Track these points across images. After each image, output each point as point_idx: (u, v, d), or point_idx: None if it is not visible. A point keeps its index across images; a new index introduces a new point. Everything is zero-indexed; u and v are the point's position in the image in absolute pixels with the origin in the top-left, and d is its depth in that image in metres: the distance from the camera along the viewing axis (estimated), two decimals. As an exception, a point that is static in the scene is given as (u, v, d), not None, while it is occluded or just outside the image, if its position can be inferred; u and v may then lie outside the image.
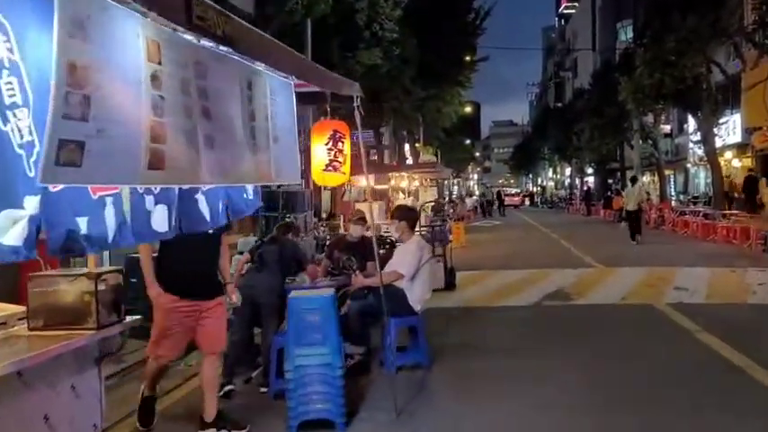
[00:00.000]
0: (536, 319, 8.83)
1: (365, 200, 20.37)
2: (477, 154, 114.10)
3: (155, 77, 2.03)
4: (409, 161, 32.21)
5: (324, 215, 19.12)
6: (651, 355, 6.70)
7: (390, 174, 19.05)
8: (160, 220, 2.36)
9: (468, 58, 34.52)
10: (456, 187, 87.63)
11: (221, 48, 2.45)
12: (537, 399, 5.38)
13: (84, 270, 3.44)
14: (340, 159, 5.16)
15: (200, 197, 2.65)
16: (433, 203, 28.00)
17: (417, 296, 6.11)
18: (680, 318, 8.29)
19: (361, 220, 7.13)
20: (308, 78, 3.59)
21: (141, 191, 2.27)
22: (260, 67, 2.94)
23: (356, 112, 4.84)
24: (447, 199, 39.46)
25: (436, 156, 54.79)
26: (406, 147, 38.16)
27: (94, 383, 3.31)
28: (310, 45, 15.18)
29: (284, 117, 3.38)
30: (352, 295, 6.19)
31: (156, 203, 2.36)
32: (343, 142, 5.15)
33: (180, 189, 2.50)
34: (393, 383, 5.29)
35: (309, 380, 4.47)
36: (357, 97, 4.78)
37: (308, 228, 14.26)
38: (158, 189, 2.35)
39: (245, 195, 3.19)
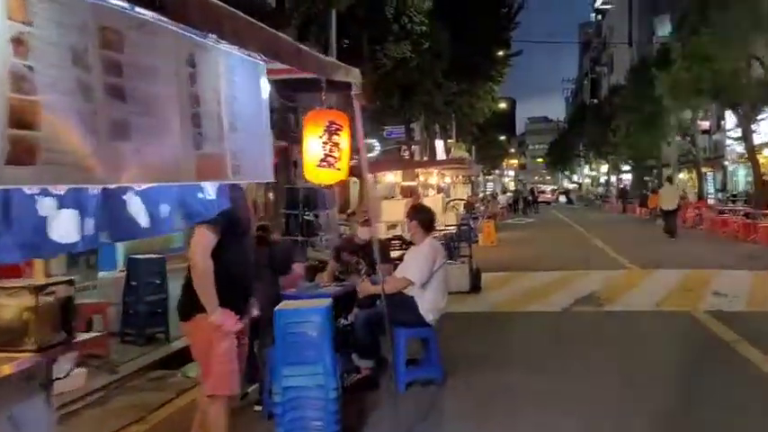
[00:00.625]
0: (564, 327, 8.27)
1: (391, 197, 20.11)
2: (512, 150, 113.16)
3: (18, 41, 1.55)
4: (441, 158, 31.75)
5: (348, 212, 18.72)
6: (688, 373, 6.12)
7: (419, 170, 18.53)
8: (66, 228, 1.88)
9: (501, 53, 33.84)
10: (491, 184, 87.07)
11: (144, 12, 1.95)
12: (558, 425, 4.86)
13: (27, 282, 3.04)
14: (335, 154, 4.65)
15: (130, 198, 2.15)
16: (464, 201, 27.75)
17: (429, 305, 5.61)
18: (719, 328, 7.68)
19: (368, 222, 6.63)
20: (287, 59, 3.10)
21: (30, 192, 1.79)
22: (210, 41, 2.44)
23: (354, 102, 4.35)
24: (480, 196, 38.87)
25: (469, 152, 54.34)
26: (439, 143, 37.54)
27: (41, 413, 2.90)
28: (335, 38, 14.66)
29: (248, 102, 2.87)
30: (359, 302, 5.72)
31: (61, 207, 1.87)
32: (339, 135, 4.64)
33: (104, 189, 2.03)
34: (398, 402, 4.84)
35: (299, 403, 4.02)
36: (355, 85, 4.29)
37: (332, 226, 13.85)
38: (64, 190, 1.88)
39: (200, 195, 2.66)
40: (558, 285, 11.39)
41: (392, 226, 16.55)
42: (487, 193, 48.18)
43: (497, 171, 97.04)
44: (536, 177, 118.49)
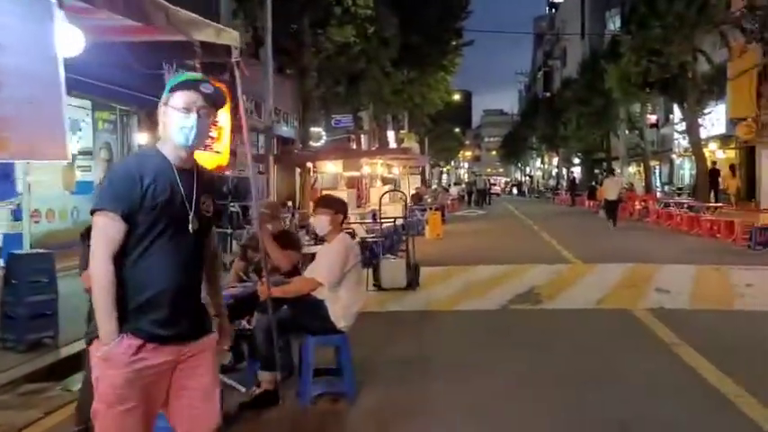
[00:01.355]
0: (500, 326, 7.78)
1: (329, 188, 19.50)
2: (467, 142, 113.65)
3: None
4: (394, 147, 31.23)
5: (289, 204, 18.04)
6: (624, 376, 5.68)
7: (366, 160, 17.93)
8: None
9: (453, 43, 33.49)
10: (446, 176, 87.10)
11: None
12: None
13: None
14: (212, 134, 4.01)
15: None
16: (413, 192, 27.29)
17: (342, 309, 5.00)
18: (660, 327, 7.29)
19: (273, 216, 6.00)
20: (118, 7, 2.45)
21: None
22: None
23: (235, 71, 3.72)
24: (433, 188, 38.50)
25: (422, 143, 53.98)
26: (391, 134, 37.05)
27: None
28: (270, 20, 13.92)
29: (24, 57, 2.22)
30: (259, 307, 5.10)
31: None
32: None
33: None
34: (297, 425, 4.25)
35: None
36: (235, 50, 3.65)
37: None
38: None
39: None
40: (499, 280, 10.93)
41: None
42: (441, 184, 47.73)
43: (453, 163, 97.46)
44: (489, 170, 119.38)
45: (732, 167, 28.85)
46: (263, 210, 6.02)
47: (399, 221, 17.62)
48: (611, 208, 23.02)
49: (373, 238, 11.86)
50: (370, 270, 10.28)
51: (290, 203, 18.53)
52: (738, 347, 6.50)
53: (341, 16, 17.61)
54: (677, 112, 33.71)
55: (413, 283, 10.29)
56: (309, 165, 16.07)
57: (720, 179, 27.75)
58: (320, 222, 5.17)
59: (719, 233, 17.86)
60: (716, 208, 20.38)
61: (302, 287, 5.02)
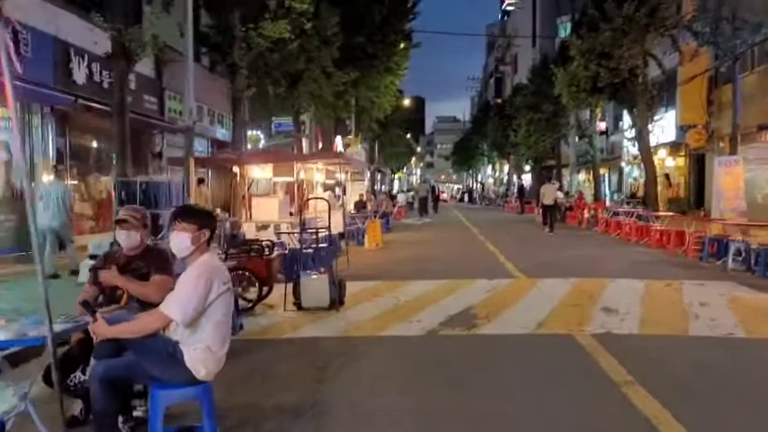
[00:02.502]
0: (425, 358, 6.69)
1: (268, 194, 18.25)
2: (419, 149, 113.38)
3: None
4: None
5: (218, 212, 16.74)
6: (561, 428, 4.67)
7: (301, 166, 16.68)
8: None
9: (401, 45, 32.55)
10: (396, 182, 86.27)
11: None
12: None
13: None
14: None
15: None
16: (356, 199, 26.18)
17: (203, 353, 3.86)
18: (606, 359, 6.32)
19: (137, 226, 4.83)
20: None
21: None
22: None
23: None
24: (374, 194, 37.41)
25: (372, 149, 52.95)
26: (338, 139, 35.84)
27: None
28: (191, 9, 12.66)
29: None
30: (96, 351, 3.92)
31: None
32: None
33: None
34: None
35: None
36: None
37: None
38: None
39: None
40: (433, 298, 9.89)
41: (263, 227, 14.74)
42: (384, 191, 46.42)
43: (405, 169, 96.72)
44: (443, 176, 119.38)
45: (667, 176, 28.92)
46: (125, 215, 4.81)
47: (338, 230, 16.61)
48: (548, 213, 25.03)
49: (298, 249, 10.70)
50: (291, 287, 9.19)
51: (218, 210, 17.27)
52: (700, 388, 5.55)
53: (275, 10, 16.42)
54: (626, 119, 33.57)
55: (336, 301, 9.19)
56: (236, 170, 14.80)
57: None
58: (179, 241, 4.01)
59: (669, 243, 17.27)
60: (665, 217, 19.81)
61: (148, 325, 3.86)
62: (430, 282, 11.53)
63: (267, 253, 9.63)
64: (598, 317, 8.31)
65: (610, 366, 6.07)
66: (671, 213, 21.44)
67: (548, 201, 25.35)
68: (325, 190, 22.78)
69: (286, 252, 11.22)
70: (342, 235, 16.70)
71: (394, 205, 34.13)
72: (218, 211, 17.00)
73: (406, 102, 64.99)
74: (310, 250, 11.01)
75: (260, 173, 15.23)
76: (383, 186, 61.99)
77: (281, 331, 7.79)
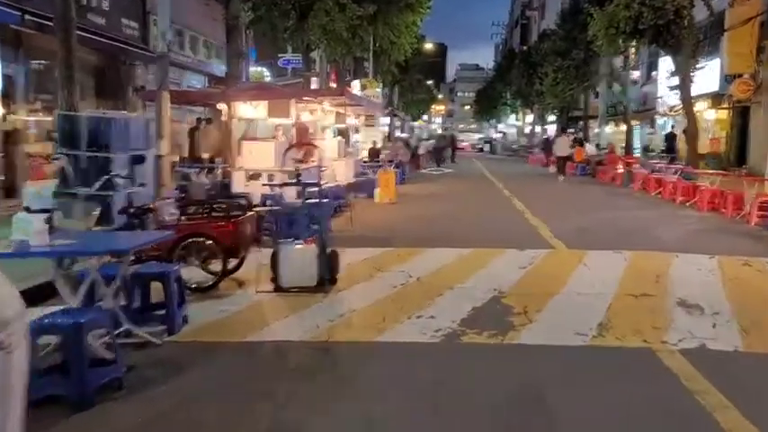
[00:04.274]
0: (438, 392, 4.43)
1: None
2: (441, 96, 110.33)
3: None
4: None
5: (205, 157, 14.59)
6: None
7: (302, 106, 14.35)
8: None
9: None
10: (417, 130, 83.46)
11: None
12: None
13: None
14: None
15: None
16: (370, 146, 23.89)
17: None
18: (714, 398, 4.14)
19: None
20: None
21: None
22: None
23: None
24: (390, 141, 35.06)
25: (392, 94, 50.28)
26: (356, 82, 33.29)
27: None
28: None
29: None
30: None
31: None
32: None
33: None
34: None
35: None
36: None
37: (142, 175, 9.71)
38: None
39: None
40: (452, 277, 7.70)
41: (254, 175, 12.55)
42: (401, 137, 43.66)
43: (425, 117, 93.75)
44: (462, 125, 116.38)
45: (685, 132, 26.85)
46: None
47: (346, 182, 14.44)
48: (562, 162, 26.72)
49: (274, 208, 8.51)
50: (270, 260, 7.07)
51: (205, 156, 15.09)
52: None
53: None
54: (662, 68, 30.96)
55: (325, 280, 7.05)
56: (222, 107, 12.58)
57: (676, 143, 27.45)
58: None
59: (723, 207, 14.96)
60: (716, 176, 17.43)
61: None
62: (448, 251, 9.34)
63: (240, 213, 7.48)
64: (678, 317, 6.08)
65: (724, 414, 3.89)
66: (721, 171, 19.05)
67: (561, 152, 26.90)
68: (335, 135, 20.59)
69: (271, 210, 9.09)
70: (350, 187, 14.56)
71: (413, 154, 31.67)
72: (205, 156, 14.90)
73: (428, 46, 62.02)
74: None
75: (253, 112, 12.93)
76: (402, 133, 59.47)
77: (237, 329, 5.66)
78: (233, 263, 7.36)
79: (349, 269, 7.91)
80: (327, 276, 7.14)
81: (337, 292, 6.96)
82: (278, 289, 6.93)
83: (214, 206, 7.39)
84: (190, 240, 6.93)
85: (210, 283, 7.00)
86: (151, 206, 7.27)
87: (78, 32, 11.60)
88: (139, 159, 7.88)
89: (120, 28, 14.66)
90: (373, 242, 10.04)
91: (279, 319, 5.98)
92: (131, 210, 7.78)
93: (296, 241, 7.12)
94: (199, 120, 16.80)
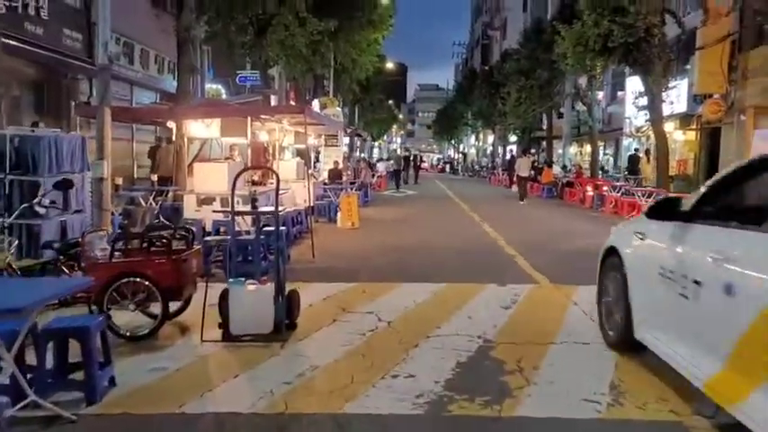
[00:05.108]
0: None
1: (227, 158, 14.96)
2: (401, 116, 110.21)
3: None
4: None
5: (153, 179, 13.49)
6: None
7: (259, 125, 13.32)
8: None
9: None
10: (377, 150, 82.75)
11: None
12: None
13: None
14: None
15: None
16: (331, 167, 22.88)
17: None
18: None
19: None
20: None
21: None
22: None
23: None
24: (347, 161, 34.15)
25: (353, 113, 49.45)
26: (316, 102, 32.40)
27: None
28: None
29: None
30: None
31: None
32: None
33: None
34: None
35: None
36: None
37: (78, 201, 8.59)
38: None
39: None
40: (429, 320, 6.75)
41: (206, 200, 11.48)
42: (364, 158, 42.65)
43: (385, 137, 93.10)
44: (423, 145, 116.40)
45: (647, 152, 28.05)
46: None
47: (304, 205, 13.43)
48: (523, 183, 26.71)
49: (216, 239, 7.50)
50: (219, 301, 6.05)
51: (153, 178, 13.98)
52: None
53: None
54: (628, 88, 30.80)
55: (282, 326, 6.03)
56: (171, 125, 11.52)
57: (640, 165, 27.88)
58: None
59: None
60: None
61: None
62: (419, 286, 8.41)
63: (182, 245, 6.44)
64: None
65: None
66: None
67: (523, 172, 26.93)
68: (296, 155, 19.58)
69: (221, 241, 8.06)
70: (310, 211, 13.56)
71: (373, 175, 30.79)
72: (154, 178, 13.79)
73: (389, 65, 61.58)
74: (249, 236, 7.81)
75: (205, 131, 11.87)
76: (362, 154, 58.68)
77: (174, 395, 4.61)
78: (176, 304, 6.32)
79: (310, 311, 6.94)
80: (285, 320, 6.14)
81: (296, 341, 5.95)
82: (227, 337, 5.90)
83: (154, 239, 6.32)
84: (124, 280, 5.86)
85: (147, 331, 5.93)
86: (78, 240, 6.21)
87: (11, 42, 10.52)
88: (62, 184, 6.76)
89: (61, 39, 13.48)
90: (337, 275, 9.05)
91: (226, 380, 4.95)
92: (56, 244, 6.73)
93: (249, 281, 6.10)
94: (159, 139, 15.71)
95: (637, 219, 5.87)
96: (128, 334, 5.85)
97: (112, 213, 9.62)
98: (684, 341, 4.49)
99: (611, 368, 5.35)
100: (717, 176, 4.88)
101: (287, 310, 6.17)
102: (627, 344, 5.55)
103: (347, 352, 5.66)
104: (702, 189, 4.84)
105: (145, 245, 6.30)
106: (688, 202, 4.90)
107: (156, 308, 6.07)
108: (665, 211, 5.06)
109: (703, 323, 4.23)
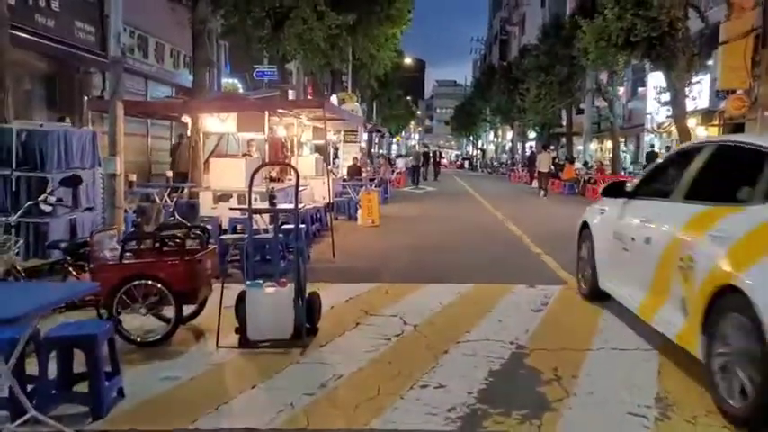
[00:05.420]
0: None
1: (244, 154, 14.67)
2: (419, 112, 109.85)
3: None
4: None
5: (169, 175, 13.21)
6: None
7: (276, 120, 12.99)
8: None
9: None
10: (395, 146, 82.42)
11: None
12: None
13: None
14: None
15: None
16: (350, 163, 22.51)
17: None
18: None
19: None
20: None
21: None
22: None
23: None
24: (370, 158, 33.84)
25: (371, 109, 49.12)
26: (334, 97, 32.13)
27: None
28: None
29: None
30: None
31: None
32: None
33: None
34: None
35: None
36: None
37: (88, 198, 8.30)
38: None
39: None
40: (456, 324, 6.37)
41: (223, 197, 11.16)
42: (383, 154, 42.27)
43: (403, 133, 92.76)
44: (441, 141, 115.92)
45: (668, 149, 26.41)
46: None
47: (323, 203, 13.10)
48: (543, 178, 27.35)
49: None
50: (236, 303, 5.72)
51: (169, 174, 13.70)
52: None
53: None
54: (650, 84, 30.25)
55: (303, 330, 5.68)
56: (187, 120, 11.23)
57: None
58: None
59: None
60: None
61: None
62: (444, 287, 8.04)
63: (197, 245, 6.11)
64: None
65: None
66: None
67: (543, 168, 27.36)
68: (313, 152, 19.24)
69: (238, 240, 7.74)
70: (329, 208, 13.22)
71: (393, 171, 30.40)
72: (169, 174, 13.51)
73: (407, 61, 61.21)
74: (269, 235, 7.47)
75: (221, 126, 11.55)
76: (380, 150, 58.34)
77: (187, 408, 4.27)
78: (191, 307, 5.99)
79: (332, 313, 6.59)
80: (306, 324, 5.80)
81: (318, 347, 5.60)
82: (244, 343, 5.56)
83: (166, 239, 5.99)
84: (134, 283, 5.54)
85: (159, 336, 5.60)
86: (87, 240, 5.89)
87: (21, 34, 10.26)
88: (70, 181, 6.45)
89: (74, 31, 13.22)
90: (358, 276, 8.70)
91: (243, 391, 4.60)
92: (63, 244, 6.42)
93: (267, 282, 5.75)
94: (180, 136, 15.46)
95: (601, 200, 7.36)
96: (138, 339, 5.53)
97: (126, 211, 9.31)
98: (627, 282, 6.21)
99: (655, 377, 4.96)
100: (651, 166, 7.31)
101: (307, 314, 5.82)
102: (594, 293, 7.14)
103: (372, 359, 5.30)
104: (642, 175, 7.10)
105: (157, 245, 5.97)
106: (632, 184, 6.78)
107: (169, 311, 5.74)
108: (616, 191, 6.81)
109: (635, 267, 5.94)
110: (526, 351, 5.54)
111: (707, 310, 4.39)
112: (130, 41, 14.53)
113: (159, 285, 5.52)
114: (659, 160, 7.12)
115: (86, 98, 13.31)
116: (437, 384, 4.72)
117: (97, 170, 8.59)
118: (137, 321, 5.70)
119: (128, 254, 5.76)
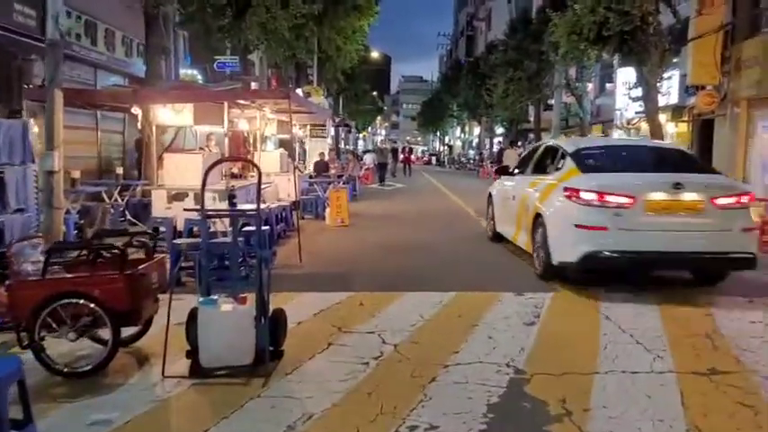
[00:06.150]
0: None
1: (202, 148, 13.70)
2: (386, 108, 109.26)
3: None
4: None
5: (119, 172, 12.17)
6: None
7: (238, 112, 12.02)
8: None
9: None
10: (361, 141, 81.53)
11: None
12: None
13: None
14: None
15: None
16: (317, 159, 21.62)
17: None
18: None
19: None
20: None
21: None
22: None
23: None
24: (337, 154, 32.96)
25: (337, 104, 48.16)
26: (299, 90, 31.13)
27: None
28: None
29: None
30: None
31: None
32: None
33: None
34: None
35: None
36: None
37: (18, 199, 7.31)
38: None
39: None
40: (441, 346, 5.57)
41: (178, 195, 10.20)
42: (350, 149, 41.35)
43: (370, 129, 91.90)
44: (407, 138, 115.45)
45: None
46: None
47: (281, 204, 12.20)
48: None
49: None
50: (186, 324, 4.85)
51: (119, 171, 12.67)
52: None
53: None
54: (619, 80, 29.90)
55: (266, 355, 4.82)
56: (136, 111, 10.24)
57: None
58: None
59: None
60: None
61: None
62: (427, 296, 7.23)
63: (143, 255, 5.21)
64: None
65: None
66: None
67: (510, 164, 26.04)
68: (278, 147, 18.31)
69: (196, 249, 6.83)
70: (295, 206, 12.36)
71: (361, 167, 29.54)
72: (119, 171, 12.48)
73: (374, 54, 60.38)
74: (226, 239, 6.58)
75: (176, 118, 10.58)
76: (347, 145, 57.40)
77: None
78: (130, 331, 5.10)
79: (300, 330, 5.76)
80: (270, 347, 4.94)
81: (283, 375, 4.74)
82: (196, 371, 4.69)
83: (102, 248, 5.07)
84: (62, 302, 4.62)
85: (90, 367, 4.69)
86: (5, 251, 4.96)
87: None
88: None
89: (11, 14, 12.07)
90: (329, 283, 7.86)
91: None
92: (-23, 254, 5.47)
93: (223, 298, 4.89)
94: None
95: (498, 177, 11.99)
96: (65, 370, 4.62)
97: (68, 212, 8.32)
98: (508, 224, 10.34)
99: (679, 408, 4.22)
100: (524, 154, 12.76)
101: (271, 335, 4.96)
102: (495, 235, 11.30)
103: (348, 390, 4.47)
104: (519, 160, 11.76)
105: (91, 256, 5.05)
106: (513, 166, 11.30)
107: (106, 332, 4.84)
108: (505, 171, 11.57)
109: (511, 214, 10.03)
110: (526, 376, 4.77)
111: (532, 226, 8.61)
112: (76, 26, 13.43)
113: (92, 305, 4.62)
114: (524, 153, 10.92)
115: (25, 87, 12.19)
116: (428, 425, 3.91)
117: (30, 167, 7.61)
118: (64, 346, 4.79)
119: (55, 267, 4.83)
